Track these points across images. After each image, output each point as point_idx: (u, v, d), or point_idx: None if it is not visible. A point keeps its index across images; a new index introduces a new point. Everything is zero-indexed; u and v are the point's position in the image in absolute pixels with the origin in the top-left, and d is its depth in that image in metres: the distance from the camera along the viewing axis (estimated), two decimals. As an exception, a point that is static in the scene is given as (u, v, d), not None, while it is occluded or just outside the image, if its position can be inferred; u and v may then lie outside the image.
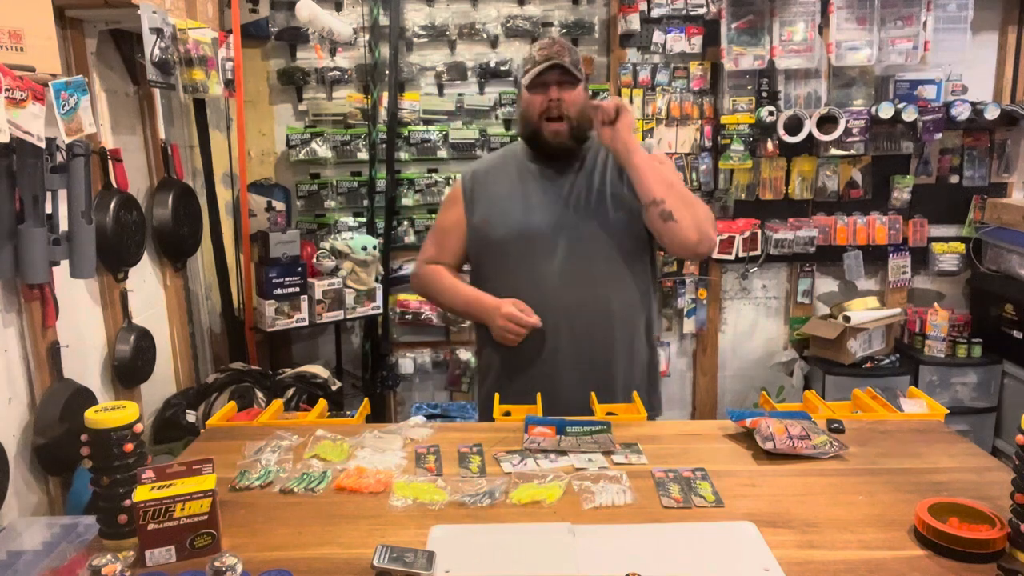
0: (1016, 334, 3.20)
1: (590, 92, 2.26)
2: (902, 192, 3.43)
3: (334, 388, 2.99)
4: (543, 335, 1.84)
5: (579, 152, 1.89)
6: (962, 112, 3.22)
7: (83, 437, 1.18)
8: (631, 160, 1.76)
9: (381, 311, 3.29)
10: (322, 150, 3.33)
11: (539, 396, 1.74)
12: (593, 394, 1.78)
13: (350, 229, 3.41)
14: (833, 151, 3.35)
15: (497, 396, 1.80)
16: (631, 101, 3.31)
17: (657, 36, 3.26)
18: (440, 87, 3.37)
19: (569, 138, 1.83)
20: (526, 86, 1.83)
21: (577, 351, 1.85)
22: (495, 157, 2.04)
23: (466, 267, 2.04)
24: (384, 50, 3.28)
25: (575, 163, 1.89)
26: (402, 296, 3.48)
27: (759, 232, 3.46)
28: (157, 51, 2.21)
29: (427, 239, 2.07)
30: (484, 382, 2.01)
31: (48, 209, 1.84)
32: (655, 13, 3.23)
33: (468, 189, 1.96)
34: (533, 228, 1.85)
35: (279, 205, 3.30)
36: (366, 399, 1.92)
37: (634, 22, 3.22)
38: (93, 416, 1.17)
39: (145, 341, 2.51)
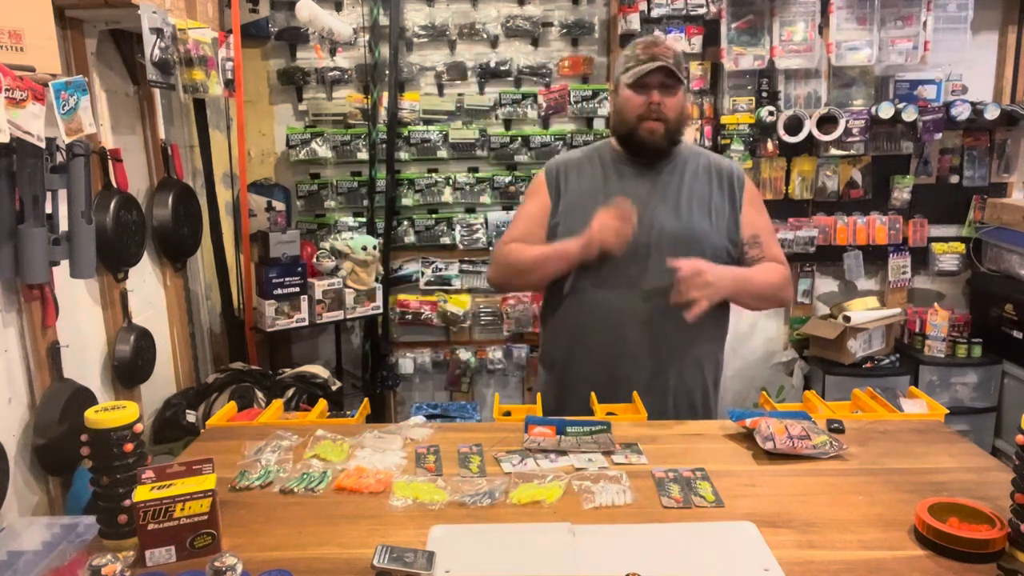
0: (1016, 334, 3.20)
1: (688, 95, 2.27)
2: (902, 192, 3.43)
3: (334, 388, 2.99)
4: (613, 327, 1.83)
5: (670, 155, 1.89)
6: (962, 112, 3.22)
7: (83, 437, 1.18)
8: (726, 296, 1.82)
9: (381, 311, 3.29)
10: (322, 150, 3.33)
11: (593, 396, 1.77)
12: (593, 394, 1.78)
13: (350, 229, 3.41)
14: (833, 151, 3.35)
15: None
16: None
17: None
18: (440, 87, 3.37)
19: (664, 139, 1.83)
20: (627, 84, 1.80)
21: (640, 350, 1.84)
22: (579, 153, 2.01)
23: None
24: (384, 50, 3.28)
25: (663, 165, 1.89)
26: (402, 296, 3.48)
27: (759, 232, 3.46)
28: (157, 51, 2.21)
29: (509, 228, 2.01)
30: (551, 369, 1.99)
31: (48, 209, 1.84)
32: (655, 13, 3.22)
33: (553, 181, 1.95)
34: None
35: (279, 205, 3.30)
36: (366, 399, 1.92)
37: (634, 22, 3.21)
38: (93, 416, 1.17)
39: (145, 341, 2.51)
